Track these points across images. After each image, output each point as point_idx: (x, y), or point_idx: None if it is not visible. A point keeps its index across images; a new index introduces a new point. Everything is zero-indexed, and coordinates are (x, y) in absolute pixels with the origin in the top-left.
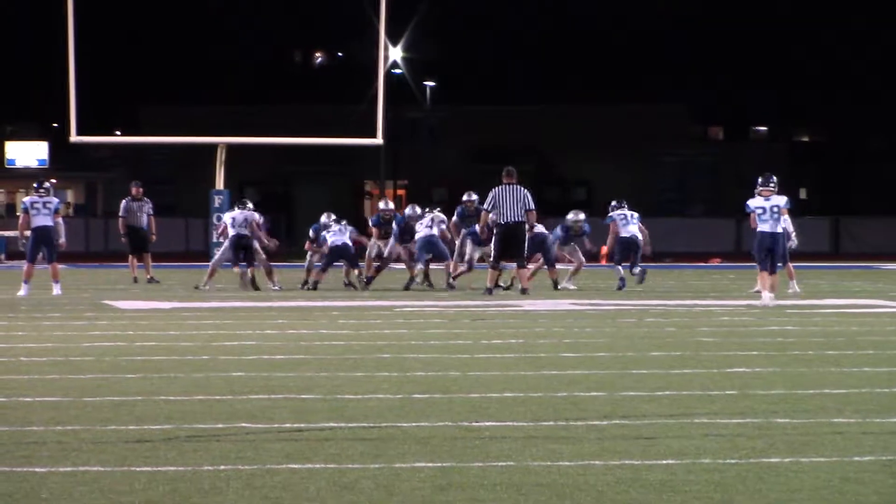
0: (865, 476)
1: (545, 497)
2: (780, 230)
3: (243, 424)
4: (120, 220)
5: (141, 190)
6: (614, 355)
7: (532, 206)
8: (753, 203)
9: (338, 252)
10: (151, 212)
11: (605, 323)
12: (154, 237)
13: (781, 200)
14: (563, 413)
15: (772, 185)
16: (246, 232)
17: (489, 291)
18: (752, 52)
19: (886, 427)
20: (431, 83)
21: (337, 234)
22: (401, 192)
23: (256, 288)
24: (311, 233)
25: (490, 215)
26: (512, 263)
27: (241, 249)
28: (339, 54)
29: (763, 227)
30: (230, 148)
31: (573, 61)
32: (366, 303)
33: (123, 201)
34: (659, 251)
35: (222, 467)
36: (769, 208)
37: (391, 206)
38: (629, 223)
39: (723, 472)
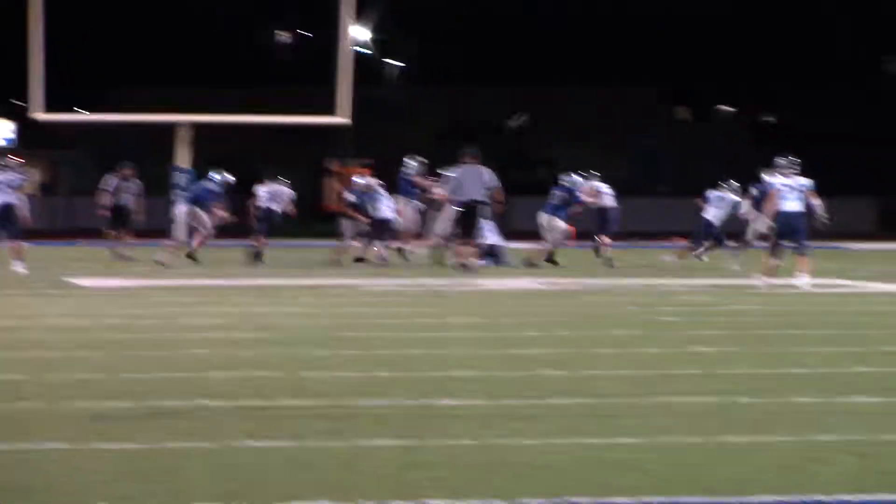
0: (827, 455)
1: (507, 475)
2: (803, 209)
3: (205, 402)
4: (105, 194)
5: (131, 171)
6: (576, 334)
7: (494, 184)
8: (777, 181)
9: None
10: (139, 193)
11: (567, 301)
12: (140, 216)
13: (806, 181)
14: (525, 391)
15: (794, 167)
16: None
17: (463, 267)
18: (716, 34)
19: (848, 406)
20: (397, 63)
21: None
22: (366, 170)
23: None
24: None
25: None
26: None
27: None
28: (305, 34)
29: (788, 206)
30: (196, 128)
31: (539, 42)
32: (329, 281)
33: (113, 179)
34: (629, 230)
35: (184, 444)
36: (796, 186)
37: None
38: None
39: (684, 450)
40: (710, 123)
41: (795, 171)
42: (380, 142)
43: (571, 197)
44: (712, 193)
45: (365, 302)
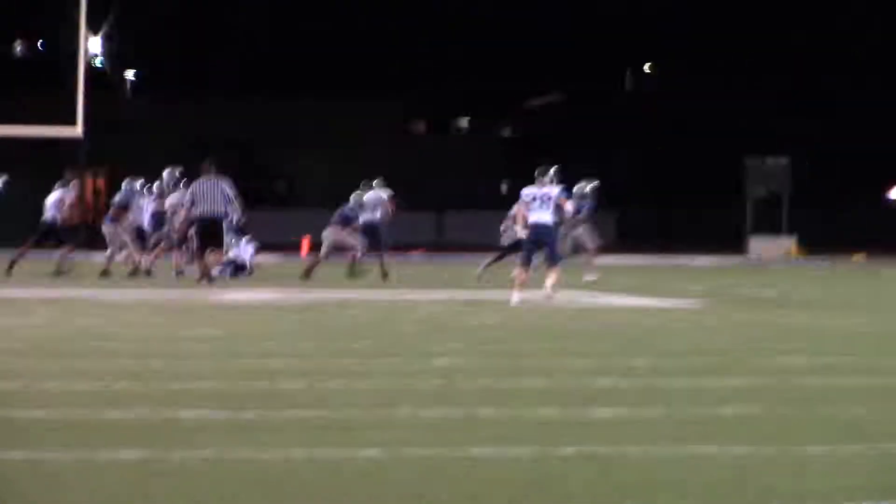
0: (569, 468)
1: (248, 488)
2: (549, 220)
3: None
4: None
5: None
6: (317, 345)
7: (231, 196)
8: (527, 191)
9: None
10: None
11: (310, 315)
12: None
13: (555, 190)
14: (266, 403)
15: (547, 177)
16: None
17: (205, 279)
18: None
19: (589, 418)
20: (132, 74)
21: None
22: (100, 181)
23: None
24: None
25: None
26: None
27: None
28: (40, 42)
29: (537, 217)
30: None
31: (284, 55)
32: (67, 292)
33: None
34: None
35: None
36: (540, 196)
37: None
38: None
39: (428, 462)
40: (448, 136)
41: (549, 181)
42: (115, 154)
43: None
44: None
45: (103, 313)
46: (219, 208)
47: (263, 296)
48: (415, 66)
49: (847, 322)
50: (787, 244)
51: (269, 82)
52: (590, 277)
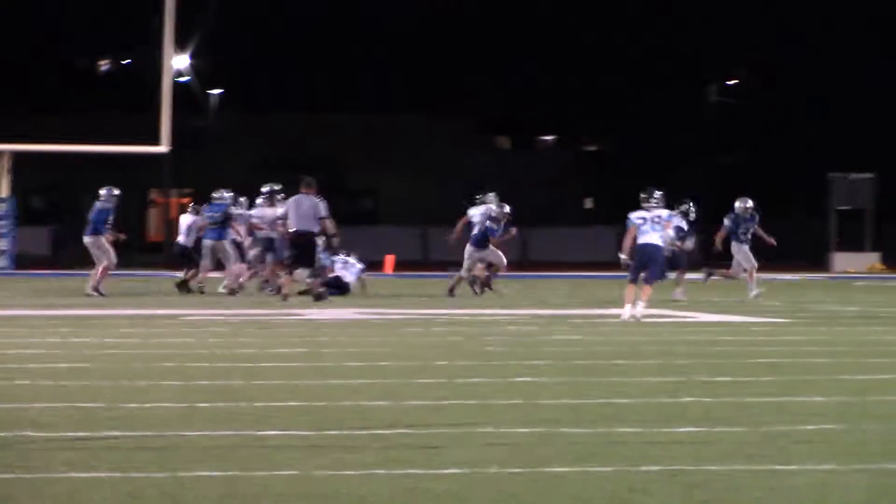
0: (652, 486)
1: None
2: (659, 242)
3: (27, 433)
4: None
5: None
6: (399, 364)
7: (323, 214)
8: (635, 214)
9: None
10: None
11: (390, 332)
12: None
13: (664, 213)
14: (348, 422)
15: (654, 200)
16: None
17: (284, 298)
18: (535, 62)
19: (671, 436)
20: (217, 91)
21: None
22: (186, 200)
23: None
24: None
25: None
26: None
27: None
28: (125, 61)
29: (645, 239)
30: (17, 156)
31: (360, 70)
32: (151, 311)
33: None
34: (448, 260)
35: (6, 476)
36: (650, 219)
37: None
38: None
39: (508, 481)
40: (532, 152)
41: (655, 203)
42: (199, 171)
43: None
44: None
45: (186, 332)
46: (311, 225)
47: (348, 314)
48: (499, 80)
49: None
50: (870, 260)
51: (351, 97)
52: (755, 292)
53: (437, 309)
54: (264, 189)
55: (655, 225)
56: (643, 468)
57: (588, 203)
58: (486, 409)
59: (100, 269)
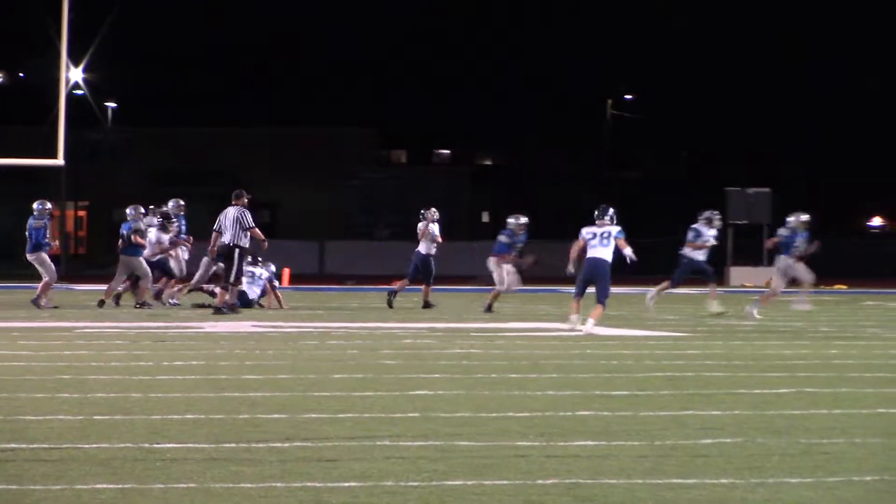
0: (548, 499)
1: None
2: (608, 257)
3: None
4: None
5: None
6: (296, 377)
7: (250, 224)
8: (585, 229)
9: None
10: None
11: (287, 345)
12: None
13: (614, 229)
14: (245, 435)
15: (607, 217)
16: None
17: (219, 310)
18: (437, 76)
19: (569, 450)
20: (113, 104)
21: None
22: (81, 213)
23: None
24: None
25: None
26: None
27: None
28: (21, 74)
29: (594, 253)
30: None
31: (260, 83)
32: (45, 324)
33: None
34: (344, 273)
35: None
36: (600, 234)
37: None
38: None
39: (405, 494)
40: (428, 166)
41: (608, 221)
42: (97, 184)
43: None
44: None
45: (81, 345)
46: (236, 237)
47: (244, 327)
48: (395, 94)
49: (828, 351)
50: (767, 274)
51: (248, 110)
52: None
53: (334, 322)
54: (159, 212)
55: (604, 240)
56: (540, 482)
57: (485, 217)
58: (383, 423)
59: (41, 285)
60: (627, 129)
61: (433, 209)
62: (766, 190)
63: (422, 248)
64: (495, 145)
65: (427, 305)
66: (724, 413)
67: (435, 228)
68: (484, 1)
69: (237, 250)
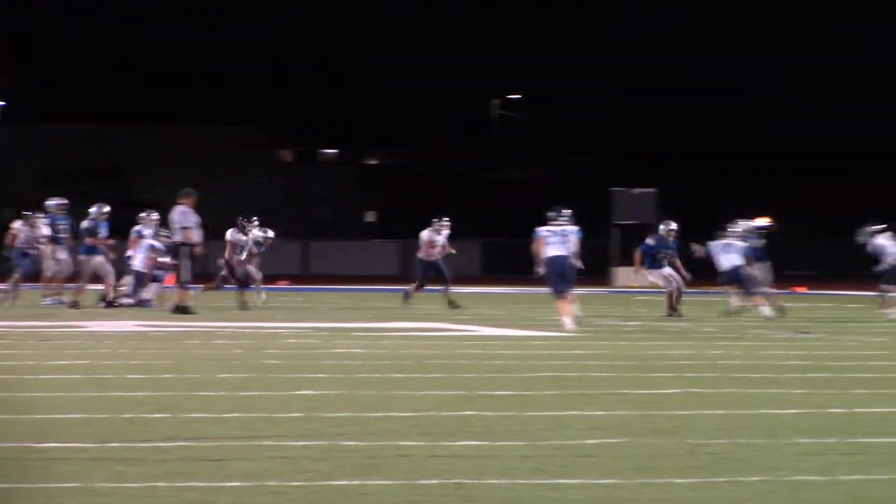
0: (432, 499)
1: None
2: (567, 253)
3: None
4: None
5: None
6: (180, 377)
7: (184, 223)
8: (543, 228)
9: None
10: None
11: (171, 344)
12: None
13: (572, 230)
14: (129, 434)
15: (562, 218)
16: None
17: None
18: (326, 75)
19: (453, 450)
20: (1, 102)
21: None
22: None
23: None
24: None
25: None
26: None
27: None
28: None
29: (554, 252)
30: None
31: (150, 81)
32: None
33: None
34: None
35: None
36: (558, 233)
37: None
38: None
39: (289, 494)
40: (315, 165)
41: (565, 221)
42: None
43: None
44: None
45: None
46: (178, 235)
47: (128, 326)
48: (284, 93)
49: (713, 352)
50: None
51: (137, 109)
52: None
53: (218, 322)
54: (26, 213)
55: (564, 238)
56: (424, 481)
57: (370, 216)
58: (267, 422)
59: None
60: (515, 130)
61: (446, 220)
62: (652, 190)
63: (422, 254)
64: (382, 145)
65: (453, 305)
66: (609, 413)
67: (441, 239)
68: (374, 0)
69: (182, 248)
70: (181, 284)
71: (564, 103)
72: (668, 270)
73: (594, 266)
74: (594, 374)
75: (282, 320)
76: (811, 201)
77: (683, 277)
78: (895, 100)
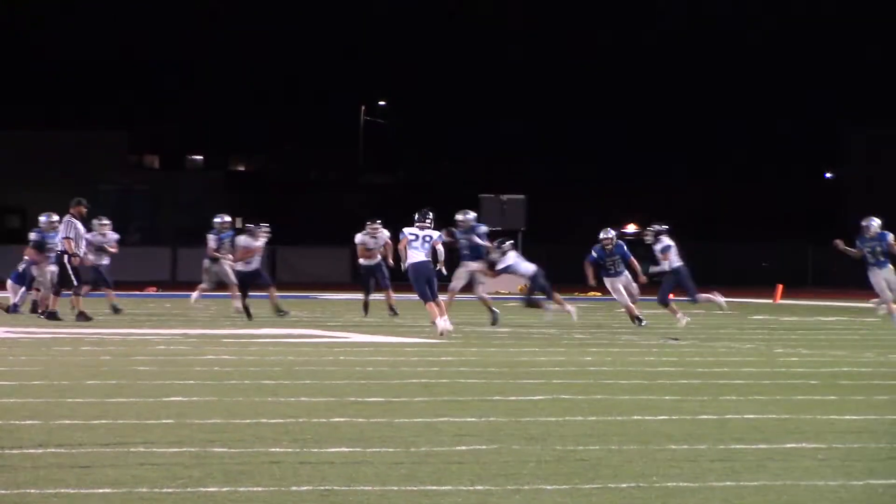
0: None
1: None
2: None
3: None
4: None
5: None
6: (49, 383)
7: (64, 234)
8: (407, 230)
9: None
10: None
11: (40, 351)
12: None
13: (434, 233)
14: None
15: (428, 220)
16: None
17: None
18: (193, 80)
19: (323, 457)
20: None
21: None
22: None
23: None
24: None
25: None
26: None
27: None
28: None
29: (417, 257)
30: None
31: (7, 84)
32: None
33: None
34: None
35: None
36: (422, 237)
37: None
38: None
39: (160, 500)
40: (180, 171)
41: (428, 223)
42: None
43: None
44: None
45: None
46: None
47: None
48: (147, 97)
49: (583, 358)
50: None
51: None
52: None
53: (87, 328)
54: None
55: (425, 243)
56: (294, 488)
57: (237, 223)
58: (137, 429)
59: None
60: (383, 135)
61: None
62: (521, 196)
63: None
64: (250, 150)
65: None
66: (479, 420)
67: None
68: (244, 1)
69: (65, 257)
70: (56, 291)
71: (432, 108)
72: (617, 285)
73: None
74: (464, 381)
75: (151, 327)
76: (680, 206)
77: (637, 279)
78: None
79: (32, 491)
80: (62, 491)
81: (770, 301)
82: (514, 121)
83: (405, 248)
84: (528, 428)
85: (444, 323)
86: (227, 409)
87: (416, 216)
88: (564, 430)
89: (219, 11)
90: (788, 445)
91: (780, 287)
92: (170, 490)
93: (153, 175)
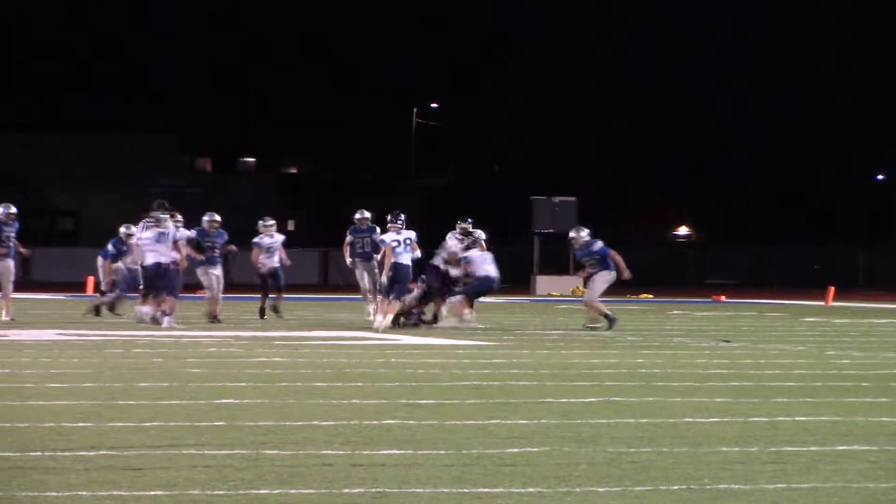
0: None
1: None
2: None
3: None
4: None
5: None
6: (101, 386)
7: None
8: (388, 236)
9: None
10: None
11: (92, 353)
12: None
13: (412, 234)
14: (51, 443)
15: (400, 221)
16: None
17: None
18: (247, 84)
19: (375, 459)
20: None
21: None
22: None
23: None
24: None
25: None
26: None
27: None
28: None
29: (404, 260)
30: None
31: (56, 86)
32: None
33: None
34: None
35: None
36: (403, 241)
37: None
38: None
39: (212, 503)
40: (233, 174)
41: (401, 225)
42: None
43: None
44: None
45: None
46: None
47: (49, 335)
48: (201, 100)
49: (635, 360)
50: (573, 283)
51: (46, 115)
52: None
53: (138, 331)
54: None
55: (406, 246)
56: (346, 490)
57: (290, 226)
58: (189, 431)
59: None
60: (435, 137)
61: (270, 221)
62: (572, 199)
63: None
64: (302, 153)
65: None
66: (531, 422)
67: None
68: (294, 5)
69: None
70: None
71: (485, 112)
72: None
73: (515, 275)
74: (515, 383)
75: (202, 329)
76: (734, 209)
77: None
78: None
79: (84, 493)
80: (114, 493)
81: (822, 303)
82: (568, 121)
83: (390, 256)
84: (579, 430)
85: (385, 322)
86: (279, 412)
87: (389, 219)
88: (616, 432)
89: (276, 14)
90: (839, 448)
91: (832, 289)
92: (221, 492)
93: (205, 178)
